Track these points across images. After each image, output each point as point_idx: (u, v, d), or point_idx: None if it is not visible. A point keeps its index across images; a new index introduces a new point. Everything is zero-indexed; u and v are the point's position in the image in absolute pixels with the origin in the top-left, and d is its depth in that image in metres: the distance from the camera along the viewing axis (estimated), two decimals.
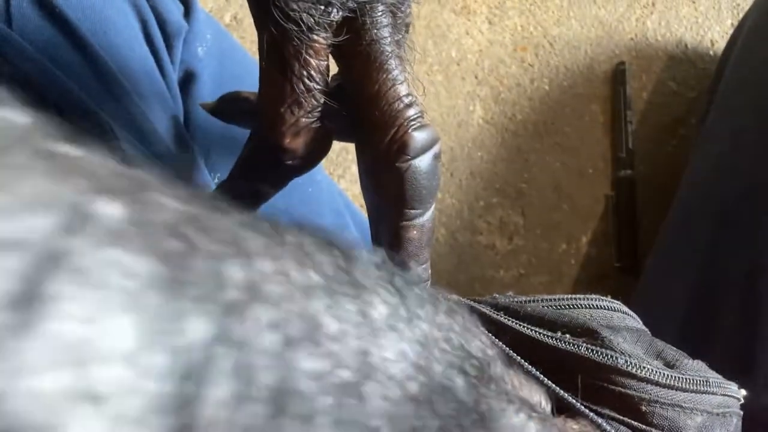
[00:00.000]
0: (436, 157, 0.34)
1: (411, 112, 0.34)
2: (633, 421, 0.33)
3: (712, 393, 0.35)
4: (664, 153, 1.03)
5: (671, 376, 0.34)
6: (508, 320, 0.36)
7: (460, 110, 1.04)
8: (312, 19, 0.33)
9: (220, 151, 0.55)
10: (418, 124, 0.33)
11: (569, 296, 0.38)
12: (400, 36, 0.35)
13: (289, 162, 0.36)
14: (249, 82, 0.57)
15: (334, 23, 0.33)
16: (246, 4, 0.36)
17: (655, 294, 0.80)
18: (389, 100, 0.34)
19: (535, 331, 0.36)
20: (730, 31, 0.98)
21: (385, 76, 0.34)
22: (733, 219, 0.71)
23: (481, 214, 1.02)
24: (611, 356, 0.34)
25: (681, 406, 0.34)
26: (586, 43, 1.05)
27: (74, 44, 0.46)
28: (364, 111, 0.35)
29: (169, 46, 0.52)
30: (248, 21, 1.00)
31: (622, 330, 0.36)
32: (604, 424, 0.32)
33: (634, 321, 0.39)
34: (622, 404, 0.34)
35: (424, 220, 0.34)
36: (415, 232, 0.34)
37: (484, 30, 1.06)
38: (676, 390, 0.34)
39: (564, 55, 1.05)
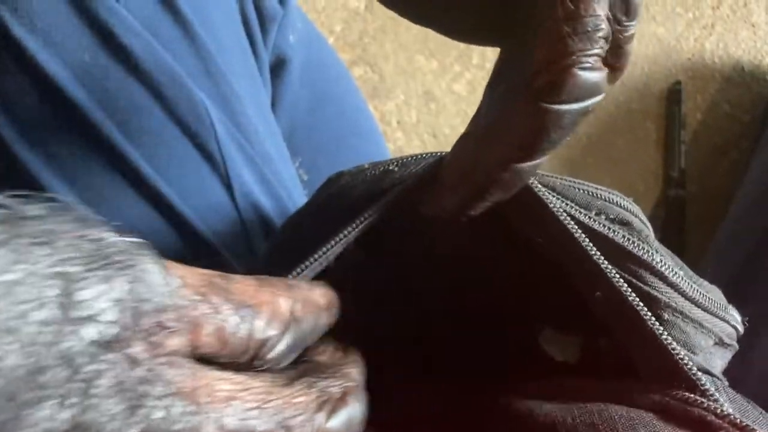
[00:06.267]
0: (586, 114, 0.26)
1: (589, 43, 0.24)
2: None
3: (727, 321, 0.32)
4: (715, 175, 1.02)
5: (697, 290, 0.31)
6: (536, 187, 0.32)
7: None
8: None
9: (302, 134, 0.56)
10: (590, 64, 0.24)
11: (593, 185, 0.34)
12: None
13: None
14: (333, 72, 0.58)
15: None
16: None
17: None
18: (566, 14, 0.24)
19: (568, 204, 0.32)
20: None
21: None
22: None
23: None
24: (647, 251, 0.30)
25: (701, 324, 0.31)
26: (644, 59, 1.05)
27: (176, 20, 0.47)
28: (529, 10, 0.26)
29: (264, 30, 0.53)
30: None
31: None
32: (659, 327, 0.29)
33: (649, 232, 0.35)
34: (645, 306, 0.30)
35: (526, 166, 0.28)
36: (509, 175, 0.28)
37: None
38: (699, 307, 0.31)
39: None
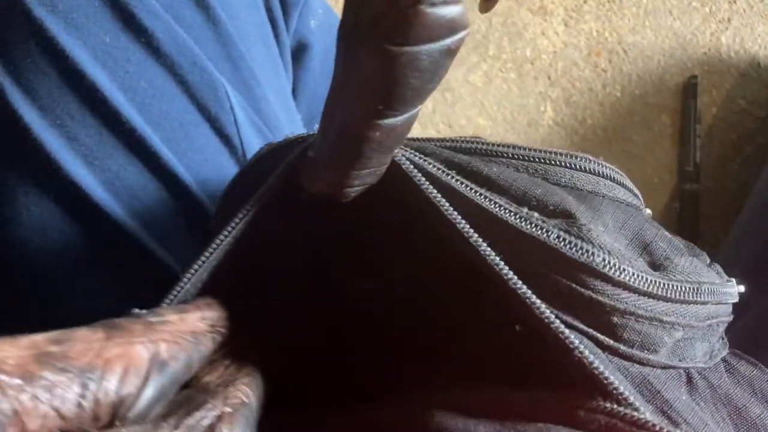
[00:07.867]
0: (449, 53, 0.22)
1: None
2: (599, 335, 0.27)
3: (702, 303, 0.28)
4: (730, 170, 1.02)
5: (654, 281, 0.27)
6: (462, 184, 0.29)
7: (531, 110, 1.03)
8: None
9: None
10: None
11: (549, 150, 0.30)
12: None
13: None
14: None
15: None
16: None
17: None
18: None
19: (495, 203, 0.28)
20: None
21: None
22: None
23: None
24: (587, 251, 0.26)
25: (660, 320, 0.27)
26: (660, 53, 1.05)
27: (198, 4, 0.46)
28: None
29: (286, 15, 0.52)
30: None
31: (605, 211, 0.29)
32: (576, 341, 0.25)
33: (627, 193, 0.31)
34: (589, 312, 0.27)
35: (397, 121, 0.24)
36: (379, 133, 0.24)
37: (559, 31, 1.06)
38: (658, 299, 0.27)
39: (637, 64, 1.04)
